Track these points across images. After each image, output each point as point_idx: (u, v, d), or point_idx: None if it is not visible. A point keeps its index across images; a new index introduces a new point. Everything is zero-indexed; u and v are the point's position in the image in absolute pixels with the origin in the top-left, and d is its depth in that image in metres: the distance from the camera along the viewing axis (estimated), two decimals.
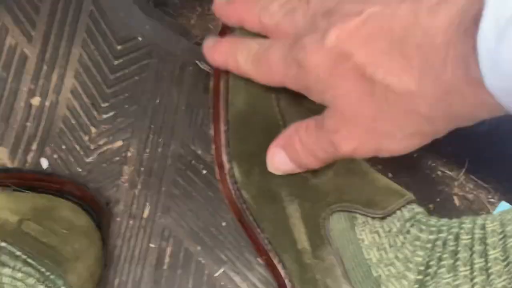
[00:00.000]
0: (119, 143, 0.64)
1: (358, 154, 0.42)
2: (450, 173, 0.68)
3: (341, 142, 0.42)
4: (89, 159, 0.63)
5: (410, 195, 0.49)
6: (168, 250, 0.62)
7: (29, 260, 0.51)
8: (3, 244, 0.51)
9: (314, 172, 0.49)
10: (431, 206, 0.67)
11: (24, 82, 0.63)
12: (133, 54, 0.65)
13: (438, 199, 0.68)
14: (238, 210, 0.52)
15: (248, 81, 0.49)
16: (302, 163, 0.46)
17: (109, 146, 0.64)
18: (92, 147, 0.63)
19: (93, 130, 0.64)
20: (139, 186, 0.63)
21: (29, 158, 0.63)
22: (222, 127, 0.52)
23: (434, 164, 0.68)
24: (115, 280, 0.62)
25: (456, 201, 0.68)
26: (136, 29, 0.65)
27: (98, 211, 0.59)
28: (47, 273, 0.51)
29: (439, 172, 0.68)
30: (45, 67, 0.64)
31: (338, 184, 0.49)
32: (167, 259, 0.62)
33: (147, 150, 0.64)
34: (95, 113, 0.64)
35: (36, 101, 0.63)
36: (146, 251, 0.62)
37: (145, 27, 0.65)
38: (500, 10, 0.28)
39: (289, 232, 0.50)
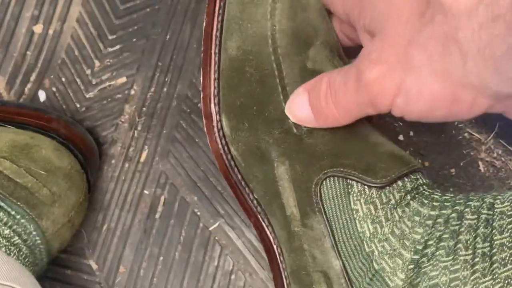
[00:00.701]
0: (122, 79, 0.58)
1: (379, 89, 0.36)
2: (478, 135, 0.59)
3: (367, 68, 0.36)
4: (89, 95, 0.58)
5: (415, 163, 0.43)
6: (163, 198, 0.56)
7: None
8: None
9: (310, 131, 0.43)
10: (452, 170, 0.59)
11: (28, 7, 0.58)
12: None
13: (462, 163, 0.59)
14: (226, 167, 0.47)
15: (244, 20, 0.44)
16: (321, 112, 0.41)
17: (112, 82, 0.58)
18: (93, 81, 0.58)
19: (97, 63, 0.58)
20: (139, 127, 0.57)
21: (27, 89, 0.58)
22: (212, 75, 0.47)
23: (462, 125, 0.59)
24: (103, 226, 0.56)
25: (481, 167, 0.59)
26: None
27: (87, 153, 0.53)
28: (17, 216, 0.46)
29: (466, 134, 0.59)
30: None
31: (335, 147, 0.43)
32: (160, 208, 0.56)
33: (152, 89, 0.58)
34: (100, 45, 0.58)
35: (38, 28, 0.58)
36: (139, 198, 0.57)
37: None
38: None
39: (278, 195, 0.45)
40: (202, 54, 0.47)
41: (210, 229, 0.55)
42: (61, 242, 0.50)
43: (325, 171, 0.42)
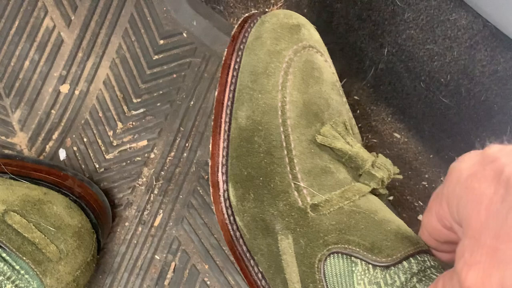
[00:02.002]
0: (143, 143, 0.58)
1: None
2: None
3: (463, 270, 0.32)
4: (109, 156, 0.58)
5: (423, 243, 0.40)
6: (173, 264, 0.55)
7: (4, 255, 0.45)
8: None
9: (316, 204, 0.42)
10: None
11: (56, 67, 0.59)
12: (175, 50, 0.60)
13: None
14: (231, 237, 0.47)
15: (255, 91, 0.44)
16: None
17: (133, 145, 0.58)
18: (115, 143, 0.58)
19: (120, 125, 0.58)
20: (155, 191, 0.57)
21: (48, 147, 0.58)
22: (222, 143, 0.46)
23: None
24: None
25: None
26: (182, 24, 0.60)
27: (100, 213, 0.53)
28: (22, 271, 0.45)
29: None
30: (80, 54, 0.59)
31: (341, 222, 0.41)
32: (170, 274, 0.55)
33: (172, 154, 0.57)
34: (124, 107, 0.58)
35: (65, 88, 0.59)
36: (149, 263, 0.55)
37: (192, 23, 0.60)
38: None
39: (281, 270, 0.43)
40: (213, 122, 0.47)
41: None
42: None
43: (329, 247, 0.40)
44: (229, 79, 0.47)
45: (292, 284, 0.42)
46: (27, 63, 0.59)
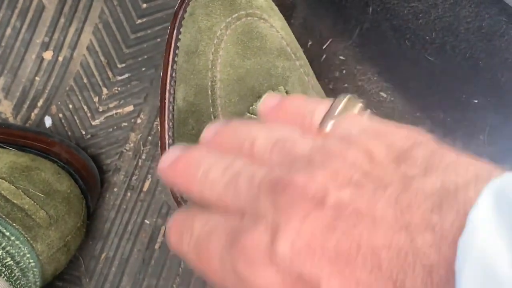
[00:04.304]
0: (129, 108, 0.58)
1: None
2: None
3: None
4: (95, 122, 0.57)
5: None
6: (163, 228, 0.55)
7: None
8: None
9: None
10: None
11: (38, 33, 0.59)
12: (158, 13, 0.59)
13: None
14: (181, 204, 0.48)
15: (188, 71, 0.44)
16: None
17: (119, 110, 0.58)
18: (100, 109, 0.58)
19: (105, 91, 0.58)
20: (143, 156, 0.57)
21: (33, 115, 0.58)
22: (166, 124, 0.47)
23: None
24: (101, 255, 0.55)
25: None
26: None
27: (88, 179, 0.53)
28: (12, 238, 0.45)
29: None
30: (62, 20, 0.59)
31: None
32: (160, 238, 0.55)
33: (158, 119, 0.57)
34: (109, 73, 0.58)
35: (48, 55, 0.58)
36: (139, 227, 0.55)
37: None
38: None
39: None
40: (159, 103, 0.47)
41: None
42: (56, 266, 0.49)
43: None
44: (170, 59, 0.47)
45: None
46: (9, 30, 0.58)
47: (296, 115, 0.32)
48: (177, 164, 0.33)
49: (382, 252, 0.23)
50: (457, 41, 0.55)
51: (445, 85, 0.57)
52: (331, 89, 0.57)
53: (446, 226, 0.22)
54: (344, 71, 0.59)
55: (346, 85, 0.57)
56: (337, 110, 0.30)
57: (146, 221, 0.55)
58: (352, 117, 0.30)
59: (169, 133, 0.47)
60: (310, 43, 0.57)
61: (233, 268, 0.27)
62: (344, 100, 0.30)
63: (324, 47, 0.57)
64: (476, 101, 0.56)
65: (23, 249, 0.46)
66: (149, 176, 0.56)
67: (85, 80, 0.58)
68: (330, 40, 0.58)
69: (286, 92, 0.44)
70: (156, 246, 0.55)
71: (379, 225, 0.23)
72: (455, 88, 0.56)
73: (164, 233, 0.55)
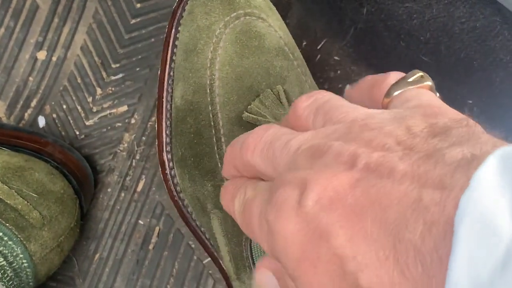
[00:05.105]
0: (123, 108, 0.57)
1: None
2: None
3: None
4: (89, 122, 0.57)
5: None
6: (157, 229, 0.55)
7: None
8: None
9: None
10: None
11: (32, 33, 0.58)
12: (152, 13, 0.59)
13: None
14: (183, 214, 0.48)
15: (186, 69, 0.44)
16: None
17: (113, 110, 0.57)
18: (94, 109, 0.57)
19: (99, 91, 0.58)
20: (137, 157, 0.56)
21: (27, 115, 0.57)
22: (164, 123, 0.47)
23: None
24: (95, 255, 0.55)
25: None
26: None
27: (82, 179, 0.52)
28: (5, 238, 0.45)
29: None
30: (56, 20, 0.58)
31: None
32: (154, 239, 0.55)
33: (152, 119, 0.57)
34: (103, 73, 0.58)
35: (42, 54, 0.58)
36: (133, 228, 0.55)
37: None
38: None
39: (219, 248, 0.44)
40: (157, 102, 0.47)
41: (204, 262, 0.54)
42: (49, 267, 0.49)
43: None
44: (168, 57, 0.47)
45: (226, 262, 0.43)
46: (2, 30, 0.58)
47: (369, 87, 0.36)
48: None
49: (391, 209, 0.24)
50: (452, 41, 0.55)
51: (440, 85, 0.57)
52: (326, 90, 0.57)
53: (455, 188, 0.23)
54: (338, 71, 0.59)
55: (340, 85, 0.57)
56: (408, 81, 0.32)
57: (140, 222, 0.55)
58: (417, 90, 0.32)
59: (167, 132, 0.47)
60: (305, 43, 0.57)
61: (266, 220, 0.29)
62: (416, 75, 0.32)
63: (319, 47, 0.57)
64: (470, 101, 0.56)
65: (16, 249, 0.45)
66: (143, 176, 0.56)
67: (79, 80, 0.58)
68: (324, 40, 0.58)
69: (285, 91, 0.44)
70: (150, 247, 0.54)
71: (395, 186, 0.25)
72: (450, 88, 0.56)
73: (158, 233, 0.55)
